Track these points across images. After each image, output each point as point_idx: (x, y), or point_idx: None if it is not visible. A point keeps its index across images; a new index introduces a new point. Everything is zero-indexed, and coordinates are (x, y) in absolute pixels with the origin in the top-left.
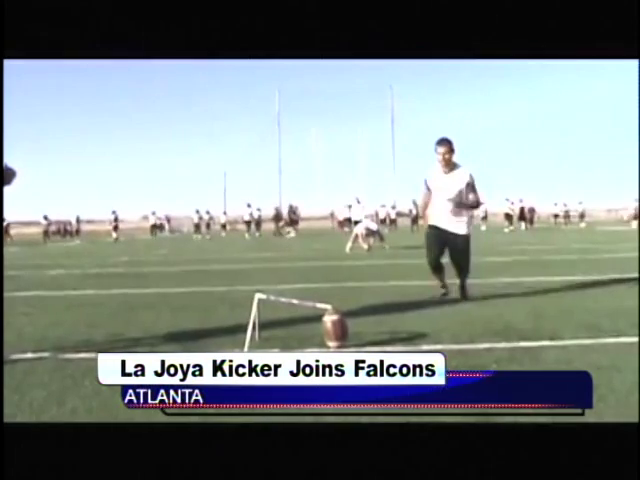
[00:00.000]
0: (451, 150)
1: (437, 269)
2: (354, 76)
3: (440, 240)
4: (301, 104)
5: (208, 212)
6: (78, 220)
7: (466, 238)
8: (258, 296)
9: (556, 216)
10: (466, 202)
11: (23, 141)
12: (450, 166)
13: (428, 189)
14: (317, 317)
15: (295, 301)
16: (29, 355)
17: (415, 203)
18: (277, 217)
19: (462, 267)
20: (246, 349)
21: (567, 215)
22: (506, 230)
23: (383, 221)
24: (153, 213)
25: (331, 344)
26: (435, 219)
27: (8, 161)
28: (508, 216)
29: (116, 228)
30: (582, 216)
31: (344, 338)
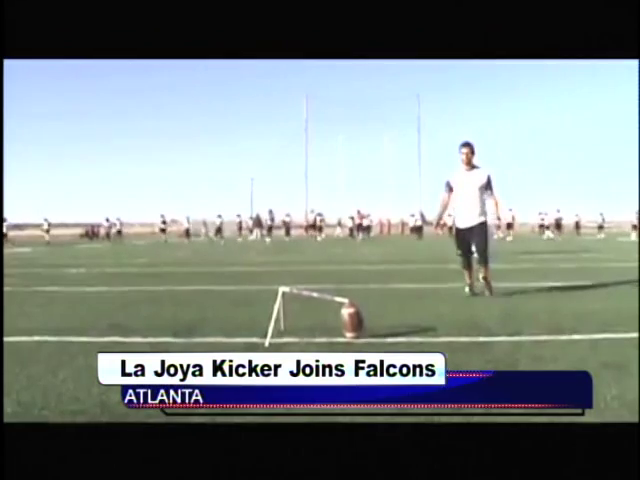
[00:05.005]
0: (472, 151)
1: (467, 265)
2: (381, 84)
3: (467, 237)
4: (328, 111)
5: (220, 216)
6: (121, 223)
7: (484, 225)
8: (282, 289)
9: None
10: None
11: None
12: (471, 165)
13: (450, 189)
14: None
15: (315, 294)
16: (36, 338)
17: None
18: (258, 222)
19: (482, 251)
20: (268, 338)
21: (578, 226)
22: (544, 237)
23: (412, 230)
24: (187, 218)
25: (348, 335)
26: (459, 219)
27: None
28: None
29: (164, 231)
30: (600, 227)
31: (360, 329)
